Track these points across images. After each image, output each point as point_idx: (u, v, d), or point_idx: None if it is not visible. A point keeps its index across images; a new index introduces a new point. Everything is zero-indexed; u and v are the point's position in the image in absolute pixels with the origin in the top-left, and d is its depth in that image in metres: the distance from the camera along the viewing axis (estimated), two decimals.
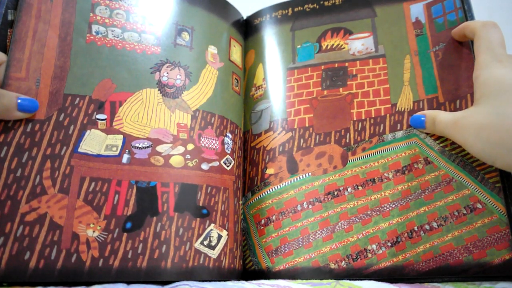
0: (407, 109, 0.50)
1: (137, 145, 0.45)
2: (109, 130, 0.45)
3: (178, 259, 0.43)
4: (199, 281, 0.42)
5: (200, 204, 0.46)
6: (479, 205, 0.43)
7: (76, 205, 0.41)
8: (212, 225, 0.46)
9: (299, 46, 0.58)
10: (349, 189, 0.49)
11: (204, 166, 0.48)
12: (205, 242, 0.45)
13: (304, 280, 0.45)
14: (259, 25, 0.62)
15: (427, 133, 0.48)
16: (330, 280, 0.43)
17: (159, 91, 0.48)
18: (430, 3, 0.53)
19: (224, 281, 0.45)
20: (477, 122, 0.39)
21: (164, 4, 0.53)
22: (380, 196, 0.47)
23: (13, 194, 0.39)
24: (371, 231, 0.46)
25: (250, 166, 0.55)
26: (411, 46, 0.52)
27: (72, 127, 0.43)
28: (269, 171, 0.53)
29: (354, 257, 0.45)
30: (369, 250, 0.45)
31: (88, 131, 0.43)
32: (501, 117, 0.38)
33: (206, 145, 0.49)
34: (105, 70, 0.46)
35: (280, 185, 0.52)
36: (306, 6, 0.60)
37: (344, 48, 0.56)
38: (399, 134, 0.49)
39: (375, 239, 0.45)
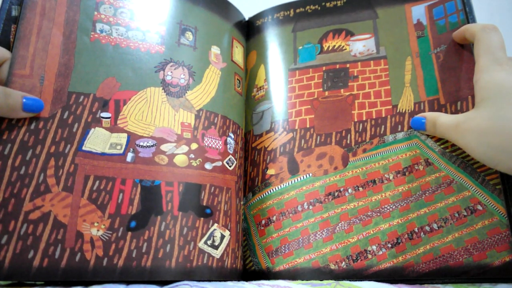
0: (408, 110, 0.50)
1: (141, 143, 0.45)
2: (113, 128, 0.44)
3: (182, 259, 0.42)
4: (201, 281, 0.42)
5: (204, 204, 0.46)
6: (479, 207, 0.43)
7: (80, 204, 0.40)
8: (216, 225, 0.46)
9: (300, 47, 0.58)
10: (349, 190, 0.49)
11: (208, 166, 0.48)
12: (209, 242, 0.45)
13: (304, 281, 0.45)
14: (261, 26, 0.62)
15: (427, 135, 0.48)
16: (330, 281, 0.43)
17: (163, 90, 0.48)
18: (431, 5, 0.53)
19: (226, 281, 0.45)
20: (478, 126, 0.39)
21: (167, 4, 0.53)
22: (380, 197, 0.47)
23: (17, 192, 0.38)
24: (372, 232, 0.46)
25: (251, 166, 0.55)
26: (413, 48, 0.53)
27: (76, 125, 0.43)
28: (270, 171, 0.53)
29: (354, 258, 0.45)
30: (369, 251, 0.45)
31: (92, 129, 0.43)
32: (501, 120, 0.38)
33: (210, 145, 0.49)
34: (109, 68, 0.46)
35: (280, 186, 0.52)
36: (307, 7, 0.60)
37: (345, 49, 0.56)
38: (400, 135, 0.50)
39: (375, 240, 0.46)
